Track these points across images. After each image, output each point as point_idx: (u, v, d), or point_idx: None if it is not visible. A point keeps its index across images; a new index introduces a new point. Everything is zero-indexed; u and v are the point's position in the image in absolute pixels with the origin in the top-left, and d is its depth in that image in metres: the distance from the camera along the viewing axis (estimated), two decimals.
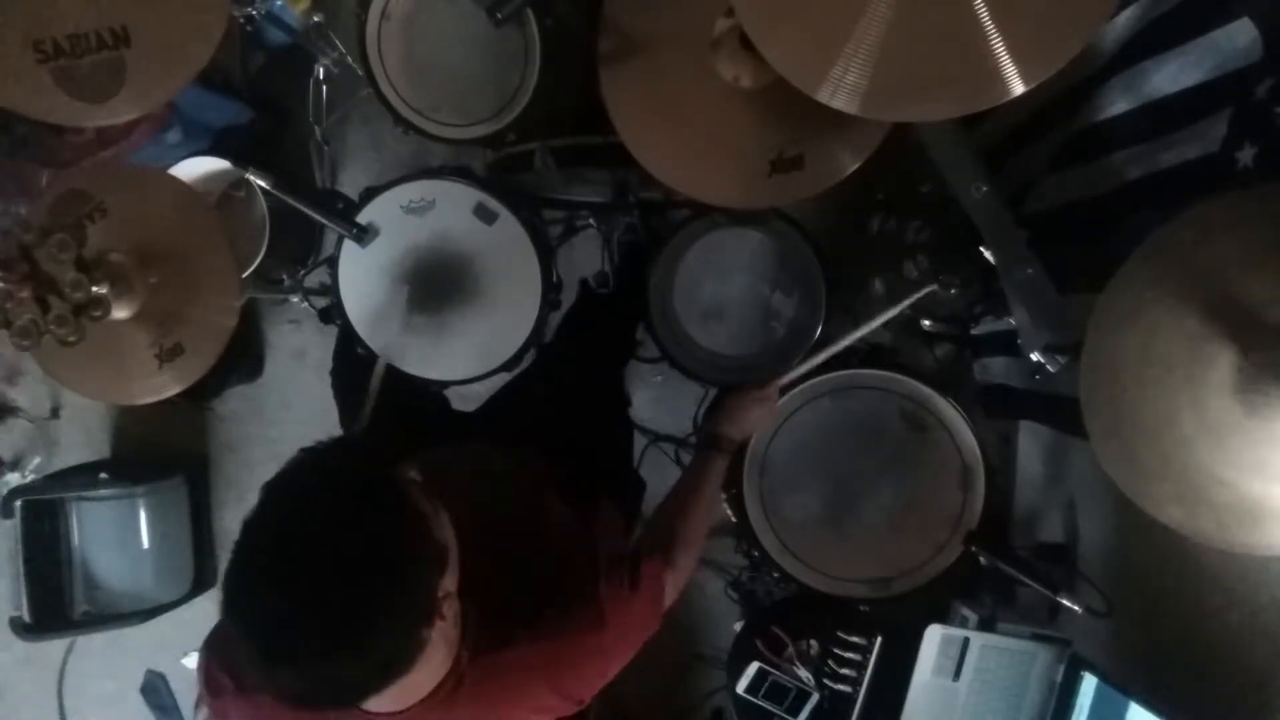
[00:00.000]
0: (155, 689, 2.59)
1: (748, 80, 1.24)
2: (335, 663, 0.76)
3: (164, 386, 1.48)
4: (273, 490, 0.79)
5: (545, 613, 0.98)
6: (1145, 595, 1.44)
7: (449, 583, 0.84)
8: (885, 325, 1.46)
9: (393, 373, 1.49)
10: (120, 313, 1.42)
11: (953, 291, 1.61)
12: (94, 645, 2.62)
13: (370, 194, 1.52)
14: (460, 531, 0.89)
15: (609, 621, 1.00)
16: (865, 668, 1.60)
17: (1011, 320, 1.37)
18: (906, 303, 1.43)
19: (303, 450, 0.81)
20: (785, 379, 1.41)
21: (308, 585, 0.74)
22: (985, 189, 1.33)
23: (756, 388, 1.38)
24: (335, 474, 0.80)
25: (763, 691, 1.64)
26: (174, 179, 1.55)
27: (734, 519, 1.61)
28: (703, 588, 2.31)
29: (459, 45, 1.54)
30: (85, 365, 1.47)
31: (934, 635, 1.54)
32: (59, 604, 2.36)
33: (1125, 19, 1.27)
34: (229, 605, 0.76)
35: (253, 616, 0.76)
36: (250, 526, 0.78)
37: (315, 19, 1.98)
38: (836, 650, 1.61)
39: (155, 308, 1.45)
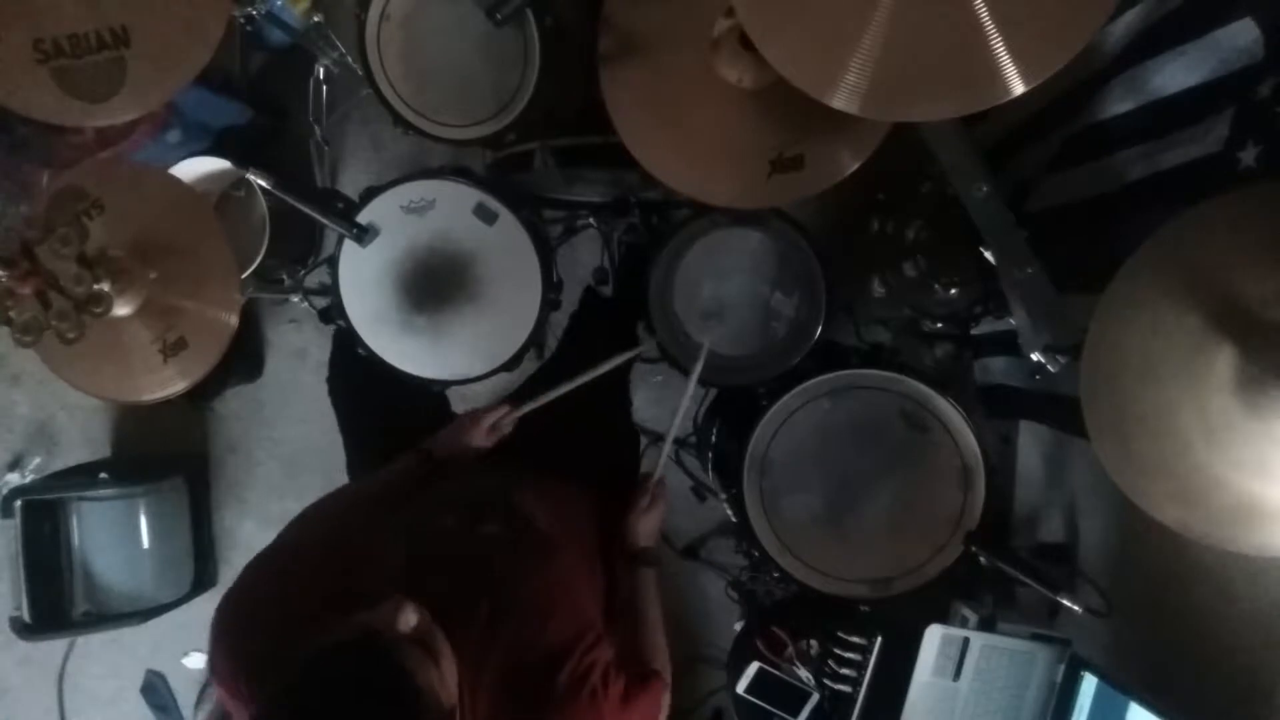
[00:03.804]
0: (155, 689, 2.59)
1: (748, 80, 1.24)
2: None
3: (170, 381, 1.48)
4: (287, 709, 0.78)
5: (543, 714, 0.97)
6: (1145, 595, 1.44)
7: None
8: (883, 324, 1.45)
9: (393, 373, 1.49)
10: (122, 309, 1.42)
11: (953, 291, 1.62)
12: (94, 645, 2.62)
13: (370, 194, 1.52)
14: (470, 601, 0.94)
15: None
16: (865, 668, 1.60)
17: (1011, 320, 1.37)
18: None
19: (305, 662, 0.79)
20: (654, 479, 1.37)
21: None
22: (986, 189, 1.33)
23: (639, 497, 1.34)
24: (344, 687, 0.79)
25: (763, 691, 1.64)
26: (174, 179, 1.55)
27: (734, 519, 1.60)
28: (703, 588, 2.31)
29: (459, 45, 1.54)
30: (90, 363, 1.48)
31: (934, 635, 1.54)
32: (59, 604, 2.36)
33: (1128, 20, 1.27)
34: None
35: None
36: None
37: (315, 19, 1.98)
38: (836, 650, 1.61)
39: (157, 303, 1.45)
